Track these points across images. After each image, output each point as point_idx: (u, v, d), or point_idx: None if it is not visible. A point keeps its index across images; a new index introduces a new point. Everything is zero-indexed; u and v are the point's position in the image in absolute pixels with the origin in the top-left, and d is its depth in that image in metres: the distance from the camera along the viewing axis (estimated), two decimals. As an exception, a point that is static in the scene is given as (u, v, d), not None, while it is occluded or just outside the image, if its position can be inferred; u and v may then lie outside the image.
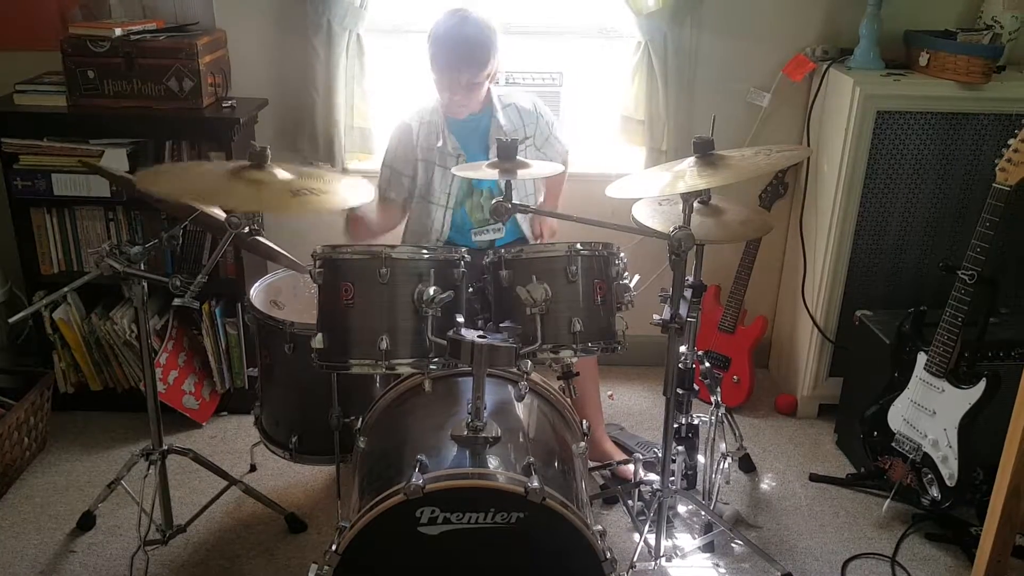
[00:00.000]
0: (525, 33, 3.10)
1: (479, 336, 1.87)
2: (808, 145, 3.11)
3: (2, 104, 2.81)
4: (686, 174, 1.94)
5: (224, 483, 2.48)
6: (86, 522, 2.52)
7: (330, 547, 1.77)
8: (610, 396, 3.30)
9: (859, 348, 2.88)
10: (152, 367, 2.20)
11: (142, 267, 2.08)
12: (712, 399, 2.65)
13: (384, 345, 1.92)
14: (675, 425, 2.59)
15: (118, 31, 2.70)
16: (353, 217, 2.62)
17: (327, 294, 1.99)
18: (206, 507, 2.44)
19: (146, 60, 2.75)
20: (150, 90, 2.78)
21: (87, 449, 2.90)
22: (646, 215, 2.38)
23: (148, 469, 2.26)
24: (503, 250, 2.00)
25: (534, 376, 2.21)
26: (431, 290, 1.93)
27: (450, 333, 1.87)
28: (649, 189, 2.01)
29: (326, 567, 1.76)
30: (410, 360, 1.97)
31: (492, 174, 1.94)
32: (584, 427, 2.26)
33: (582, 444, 2.20)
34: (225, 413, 3.10)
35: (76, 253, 2.98)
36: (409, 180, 2.70)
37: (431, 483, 1.75)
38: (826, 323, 3.03)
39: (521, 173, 1.95)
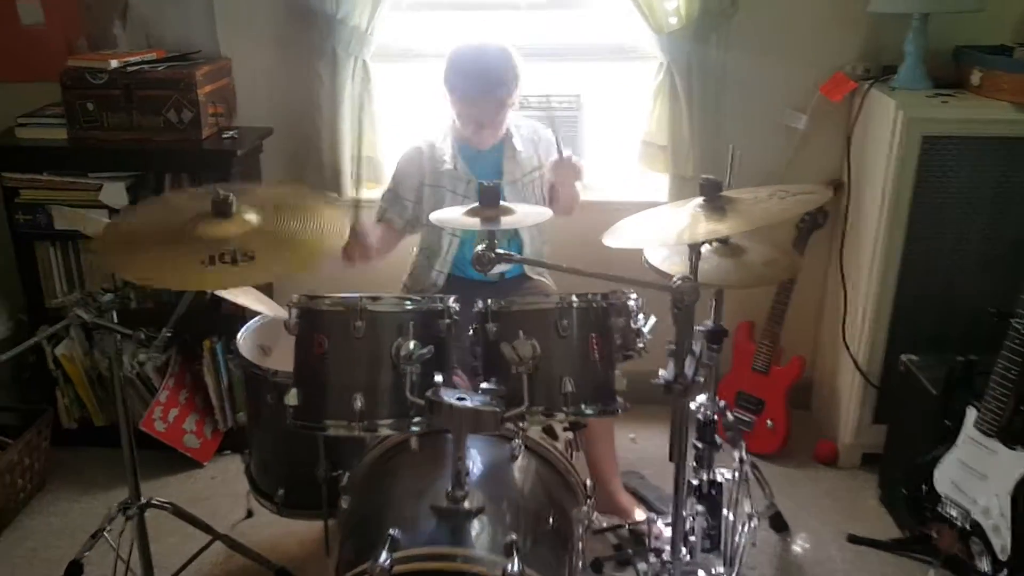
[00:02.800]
0: (540, 55, 2.92)
1: (458, 398, 1.71)
2: (849, 172, 2.86)
3: (4, 138, 2.76)
4: (691, 220, 1.74)
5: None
6: (74, 572, 2.40)
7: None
8: (632, 439, 3.10)
9: (904, 395, 2.62)
10: (127, 415, 2.09)
11: (114, 316, 1.97)
12: (736, 455, 2.43)
13: (359, 404, 1.76)
14: (695, 482, 2.39)
15: (114, 63, 2.62)
16: (352, 238, 2.45)
17: (302, 346, 1.84)
18: (189, 562, 2.32)
19: (144, 92, 2.66)
20: (149, 122, 2.70)
21: (87, 488, 2.82)
22: (661, 253, 2.19)
23: (125, 524, 2.15)
24: (490, 301, 1.83)
25: (532, 432, 2.04)
26: (410, 345, 1.77)
27: (428, 393, 1.72)
28: (648, 238, 1.81)
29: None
30: (389, 420, 1.81)
31: (472, 223, 1.77)
32: (588, 487, 2.08)
33: (584, 508, 2.02)
34: (228, 452, 2.99)
35: (81, 286, 2.91)
36: (412, 205, 2.59)
37: (400, 563, 1.60)
38: (869, 365, 2.78)
39: (505, 221, 1.77)
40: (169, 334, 1.78)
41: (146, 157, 2.72)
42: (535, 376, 1.76)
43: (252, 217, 1.71)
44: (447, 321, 1.84)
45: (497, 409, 1.70)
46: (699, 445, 2.41)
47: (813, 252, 2.99)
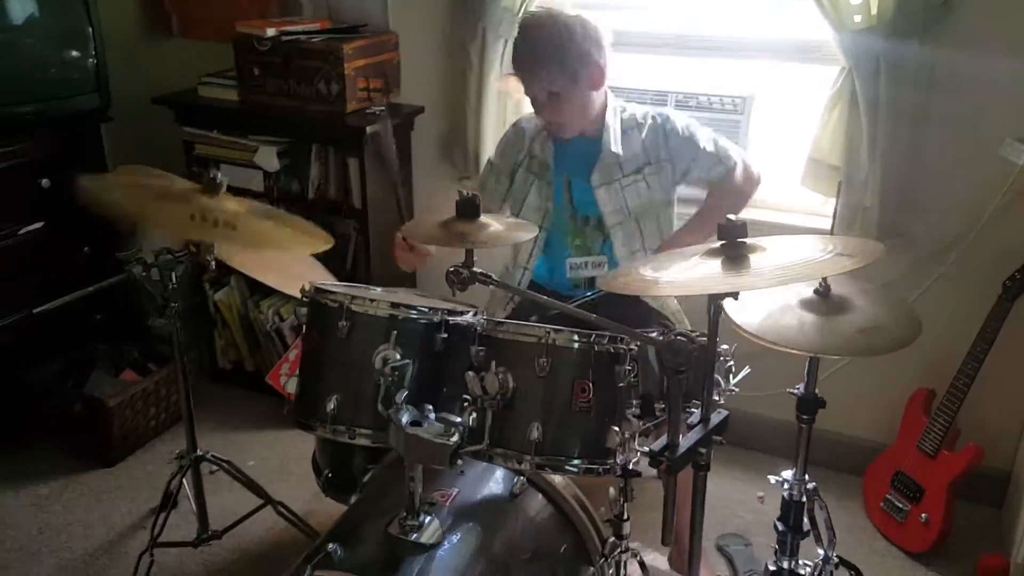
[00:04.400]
0: (705, 49, 2.59)
1: (412, 422, 1.56)
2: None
3: (188, 95, 3.00)
4: (702, 267, 1.42)
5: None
6: (166, 502, 2.60)
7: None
8: (760, 498, 2.69)
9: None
10: (184, 368, 2.18)
11: (174, 276, 2.04)
12: (821, 551, 2.00)
13: (331, 407, 1.68)
14: (772, 568, 2.03)
15: (271, 31, 2.73)
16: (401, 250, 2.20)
17: (307, 338, 1.80)
18: (241, 520, 2.40)
19: (300, 61, 2.75)
20: (303, 91, 2.79)
21: (220, 425, 3.04)
22: (758, 310, 1.81)
23: (178, 472, 2.27)
24: (485, 320, 1.64)
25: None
26: (392, 354, 1.65)
27: (390, 411, 1.59)
28: (644, 281, 1.48)
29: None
30: (368, 431, 1.70)
31: (444, 238, 1.57)
32: (606, 546, 1.81)
33: (590, 569, 1.78)
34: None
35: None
36: (506, 185, 2.39)
37: (312, 585, 1.51)
38: (1060, 476, 2.16)
39: (481, 238, 1.56)
40: (175, 305, 1.82)
41: (297, 125, 2.83)
42: (502, 415, 1.56)
43: (238, 206, 1.70)
44: (443, 336, 1.69)
45: (448, 443, 1.53)
46: (779, 527, 2.03)
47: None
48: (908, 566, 2.42)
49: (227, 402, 3.19)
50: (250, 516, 2.40)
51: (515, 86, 2.22)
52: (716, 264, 1.41)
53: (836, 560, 2.00)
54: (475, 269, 1.53)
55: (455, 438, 1.53)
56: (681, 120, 2.27)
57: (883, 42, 2.26)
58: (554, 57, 2.08)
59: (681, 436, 1.47)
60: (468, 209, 1.55)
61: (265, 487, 2.54)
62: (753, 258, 1.38)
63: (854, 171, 2.40)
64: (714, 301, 1.45)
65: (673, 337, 1.41)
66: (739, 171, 2.29)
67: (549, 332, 1.53)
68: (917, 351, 2.51)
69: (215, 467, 2.36)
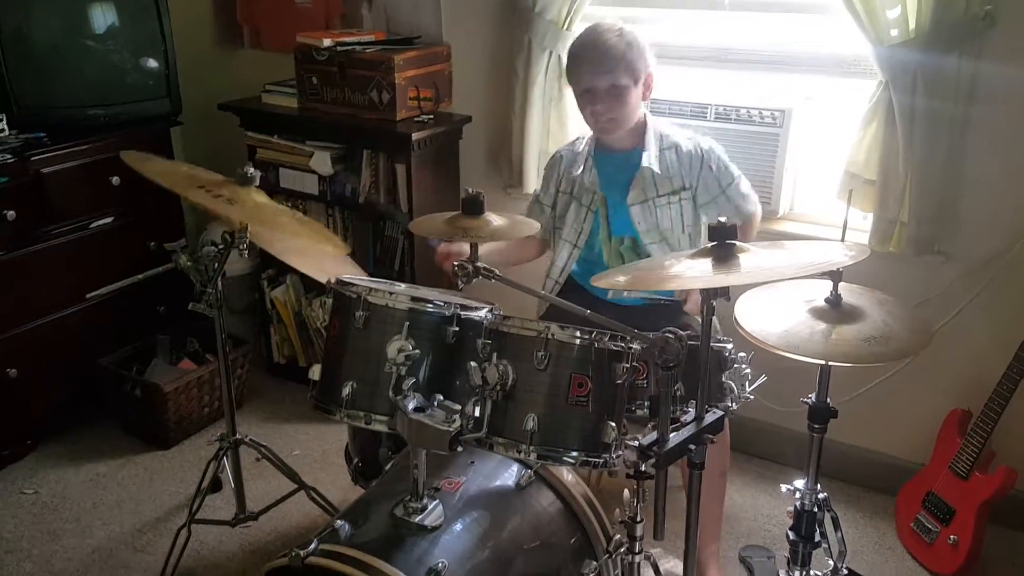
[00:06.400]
0: (745, 62, 2.61)
1: (416, 408, 1.65)
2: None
3: (252, 102, 3.17)
4: (693, 265, 1.46)
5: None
6: (216, 485, 2.75)
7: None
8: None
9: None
10: (225, 352, 2.30)
11: (216, 266, 2.18)
12: (831, 562, 2.00)
13: (347, 392, 1.77)
14: (784, 577, 2.04)
15: (327, 41, 2.86)
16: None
17: (329, 327, 1.90)
18: (276, 503, 2.51)
19: (355, 71, 2.88)
20: (357, 99, 2.92)
21: (270, 417, 3.19)
22: (782, 321, 1.83)
23: (217, 453, 2.40)
24: (492, 314, 1.71)
25: (564, 472, 1.89)
26: (400, 345, 1.73)
27: (398, 399, 1.68)
28: (630, 278, 1.53)
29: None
30: (385, 417, 1.79)
31: (449, 232, 1.65)
32: (611, 544, 1.86)
33: (593, 563, 1.82)
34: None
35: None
36: (549, 213, 2.49)
37: (317, 556, 1.61)
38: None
39: (488, 231, 1.64)
40: (211, 291, 1.94)
41: (351, 132, 2.95)
42: (503, 405, 1.62)
43: (263, 200, 1.82)
44: (454, 329, 1.76)
45: (447, 429, 1.60)
46: (791, 536, 2.04)
47: None
48: (936, 589, 2.38)
49: (280, 394, 3.33)
50: (284, 500, 2.52)
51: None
52: (706, 263, 1.46)
53: (845, 572, 1.99)
54: (479, 264, 1.60)
55: (455, 424, 1.61)
56: (723, 160, 2.34)
57: (920, 56, 2.25)
58: (624, 54, 2.19)
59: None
60: (472, 206, 1.63)
61: (306, 475, 2.65)
62: (742, 257, 1.42)
63: (890, 185, 2.39)
64: (707, 300, 1.50)
65: (662, 334, 1.45)
66: (751, 222, 2.41)
67: (549, 327, 1.59)
68: (954, 370, 2.51)
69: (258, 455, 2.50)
